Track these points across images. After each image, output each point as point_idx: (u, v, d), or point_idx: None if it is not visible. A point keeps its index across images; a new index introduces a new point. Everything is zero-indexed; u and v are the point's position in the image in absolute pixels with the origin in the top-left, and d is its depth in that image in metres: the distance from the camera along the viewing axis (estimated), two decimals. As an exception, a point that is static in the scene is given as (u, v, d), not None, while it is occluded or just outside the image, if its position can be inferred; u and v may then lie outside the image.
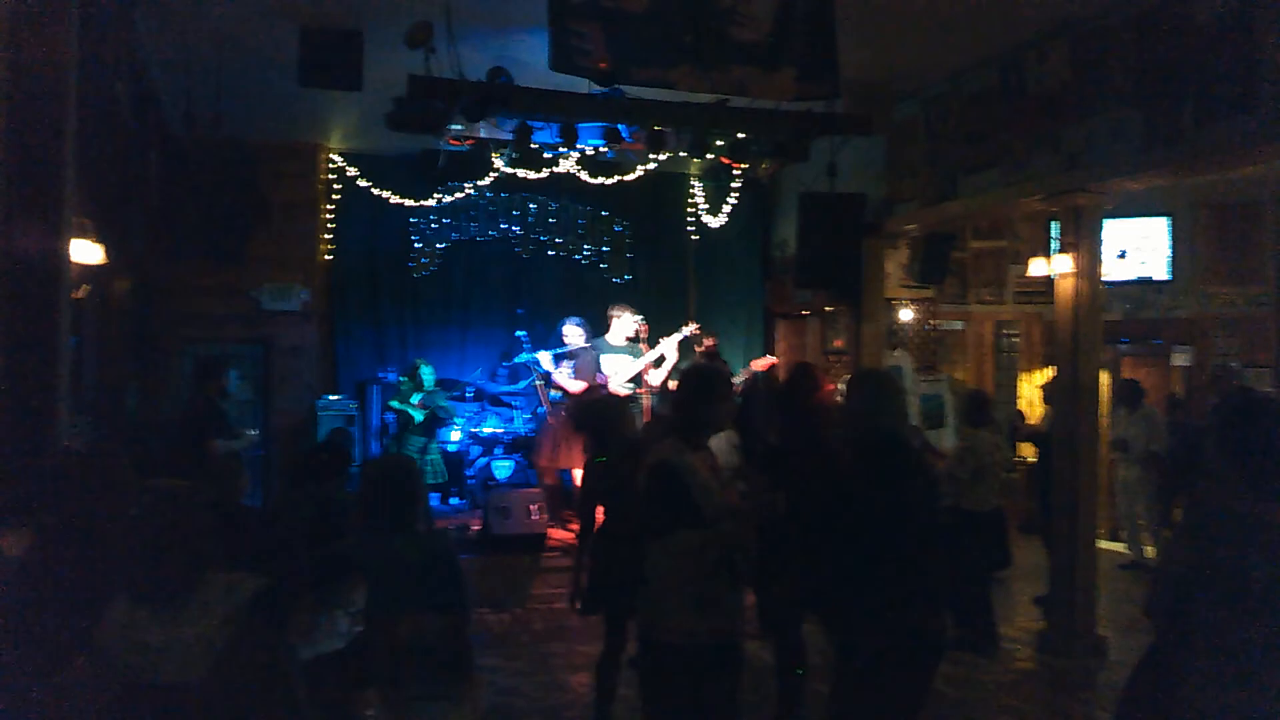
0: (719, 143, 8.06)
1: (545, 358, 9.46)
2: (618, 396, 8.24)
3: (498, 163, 9.41)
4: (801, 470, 4.71)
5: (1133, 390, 9.91)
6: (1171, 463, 9.37)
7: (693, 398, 4.07)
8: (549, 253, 11.88)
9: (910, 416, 10.77)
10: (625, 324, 9.66)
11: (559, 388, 9.43)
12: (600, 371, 9.41)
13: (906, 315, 11.22)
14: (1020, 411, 11.28)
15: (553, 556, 8.61)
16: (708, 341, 10.31)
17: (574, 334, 9.49)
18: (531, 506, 8.67)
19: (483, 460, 10.36)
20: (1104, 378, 9.52)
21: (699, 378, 4.22)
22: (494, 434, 10.51)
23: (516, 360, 10.15)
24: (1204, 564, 3.06)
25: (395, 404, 9.99)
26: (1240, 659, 2.95)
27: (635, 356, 9.68)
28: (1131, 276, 11.07)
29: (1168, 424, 9.80)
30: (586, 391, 9.24)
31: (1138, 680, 3.36)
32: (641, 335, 9.73)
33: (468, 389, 10.69)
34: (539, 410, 10.41)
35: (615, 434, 5.70)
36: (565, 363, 9.43)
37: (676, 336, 9.74)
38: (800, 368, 5.82)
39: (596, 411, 6.00)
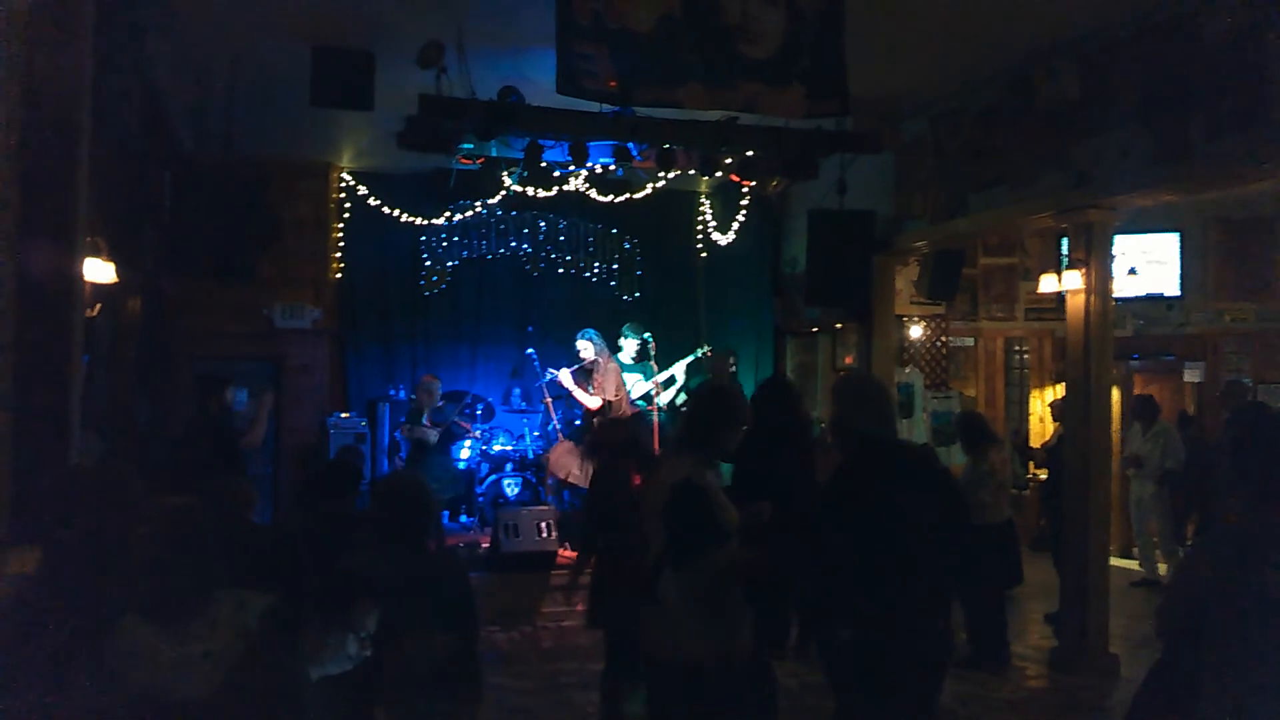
0: (728, 160, 8.09)
1: (565, 375, 9.47)
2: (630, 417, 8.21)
3: (508, 181, 9.45)
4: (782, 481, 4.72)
5: (1148, 406, 9.85)
6: (1185, 480, 9.32)
7: (710, 418, 3.99)
8: (558, 270, 11.90)
9: (921, 431, 10.78)
10: (632, 344, 9.75)
11: (580, 404, 9.45)
12: (609, 386, 9.43)
13: (917, 332, 11.22)
14: (1020, 431, 11.26)
15: (562, 575, 8.59)
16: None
17: (585, 348, 9.50)
18: (541, 524, 8.65)
19: (492, 478, 10.36)
20: (1115, 394, 9.49)
21: (717, 398, 4.15)
22: (503, 452, 10.51)
23: (539, 384, 10.14)
24: (1218, 581, 3.05)
25: (427, 433, 9.88)
26: (1255, 675, 2.93)
27: (646, 375, 9.74)
28: (1142, 292, 11.04)
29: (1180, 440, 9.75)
30: (600, 412, 9.25)
31: (1144, 697, 3.33)
32: (651, 352, 9.81)
33: (477, 405, 10.69)
34: (550, 428, 10.42)
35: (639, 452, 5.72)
36: (585, 378, 9.46)
37: (688, 359, 9.86)
38: (771, 382, 5.85)
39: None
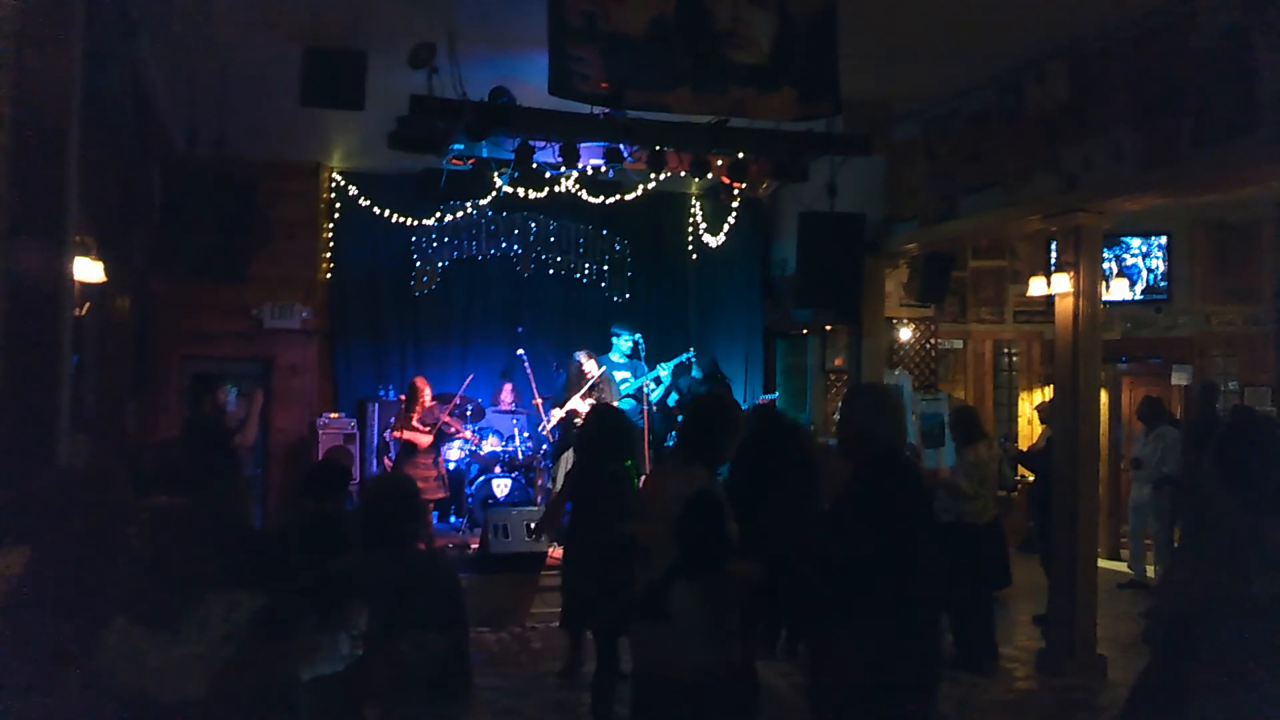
0: (719, 162, 8.10)
1: (579, 403, 9.57)
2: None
3: (498, 182, 9.45)
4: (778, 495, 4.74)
5: (1152, 409, 9.84)
6: (1176, 482, 9.34)
7: (717, 429, 3.98)
8: (549, 271, 11.91)
9: (910, 433, 10.81)
10: (625, 342, 9.82)
11: None
12: (614, 390, 9.60)
13: (906, 334, 11.24)
14: (1007, 436, 11.31)
15: (551, 575, 8.59)
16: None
17: (593, 365, 9.70)
18: (530, 525, 8.64)
19: (482, 479, 10.35)
20: (1103, 397, 9.52)
21: (721, 409, 4.11)
22: (493, 453, 10.51)
23: (553, 424, 10.22)
24: (1204, 585, 3.06)
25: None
26: (1243, 678, 2.95)
27: (636, 374, 9.80)
28: (1130, 296, 11.10)
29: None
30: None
31: (1136, 702, 3.34)
32: (641, 352, 9.91)
33: (467, 406, 10.69)
34: (540, 429, 10.43)
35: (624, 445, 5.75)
36: (589, 395, 9.56)
37: (673, 361, 9.97)
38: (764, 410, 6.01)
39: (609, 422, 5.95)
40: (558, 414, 9.91)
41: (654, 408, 10.25)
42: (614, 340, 10.00)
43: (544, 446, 10.31)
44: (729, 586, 3.71)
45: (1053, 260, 10.19)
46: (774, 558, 4.02)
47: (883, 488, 3.67)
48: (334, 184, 11.08)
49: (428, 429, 9.42)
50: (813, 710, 3.90)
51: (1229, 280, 10.83)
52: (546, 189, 9.84)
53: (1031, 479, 9.79)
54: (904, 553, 3.56)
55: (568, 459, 9.34)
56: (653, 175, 8.79)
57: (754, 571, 3.77)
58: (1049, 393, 10.33)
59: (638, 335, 10.20)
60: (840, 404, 4.18)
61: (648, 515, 3.90)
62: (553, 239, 11.87)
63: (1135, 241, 11.12)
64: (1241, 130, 5.86)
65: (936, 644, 3.87)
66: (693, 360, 10.60)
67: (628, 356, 9.97)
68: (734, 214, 11.70)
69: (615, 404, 9.38)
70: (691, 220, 12.16)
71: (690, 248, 12.28)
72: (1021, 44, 7.24)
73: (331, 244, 11.17)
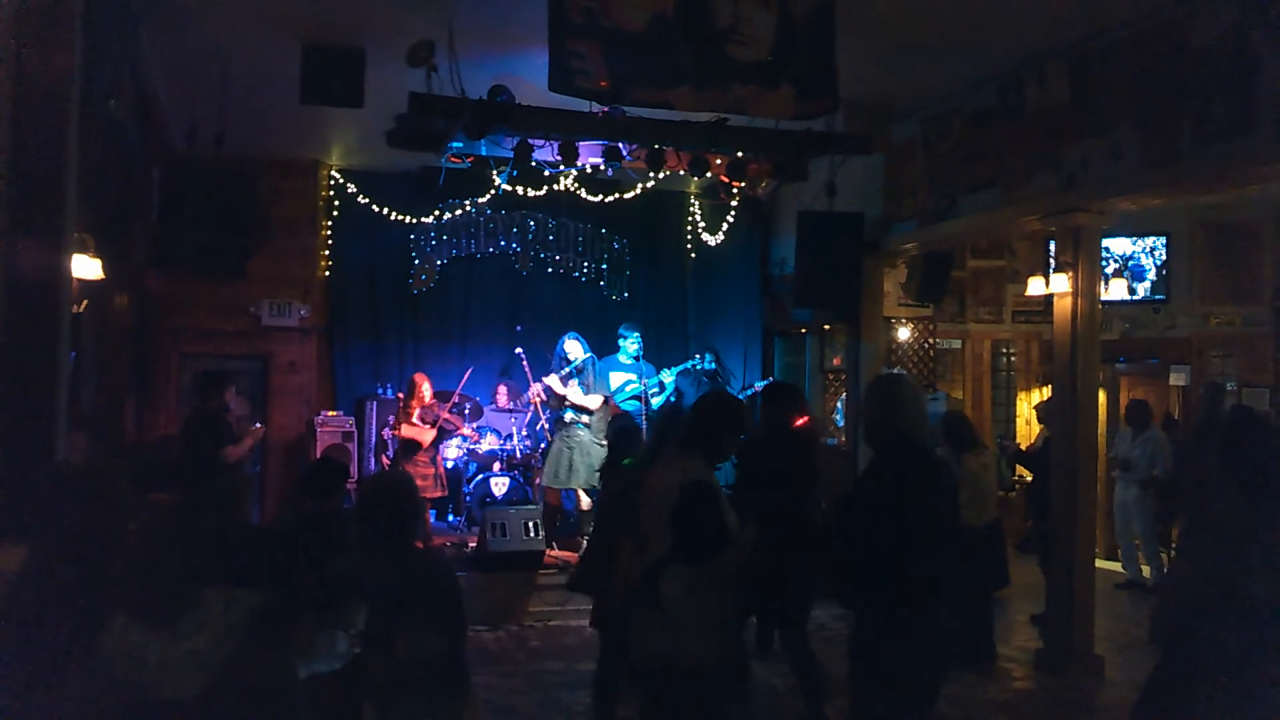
0: (718, 161, 8.10)
1: (555, 382, 9.49)
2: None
3: (497, 180, 9.45)
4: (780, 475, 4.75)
5: (1141, 411, 9.87)
6: (1170, 483, 9.35)
7: (717, 423, 4.05)
8: (548, 270, 11.90)
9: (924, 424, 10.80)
10: (631, 343, 9.83)
11: (577, 406, 9.43)
12: (602, 384, 9.52)
13: (905, 334, 11.24)
14: (1008, 433, 11.32)
15: (549, 574, 8.59)
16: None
17: (575, 349, 9.58)
18: (528, 524, 8.64)
19: (480, 477, 10.35)
20: (1101, 397, 9.53)
21: (724, 405, 4.19)
22: (491, 451, 10.51)
23: (526, 396, 10.19)
24: (1209, 584, 3.06)
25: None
26: (1248, 676, 2.95)
27: (639, 375, 9.79)
28: (1129, 296, 11.10)
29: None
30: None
31: (1146, 702, 3.34)
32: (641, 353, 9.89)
33: (465, 404, 10.68)
34: (538, 428, 10.42)
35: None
36: (574, 379, 9.48)
37: (679, 367, 9.97)
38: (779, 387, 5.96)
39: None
40: (536, 389, 9.84)
41: (655, 412, 10.22)
42: (621, 342, 9.99)
43: (542, 445, 10.29)
44: (722, 576, 3.74)
45: (1051, 260, 10.19)
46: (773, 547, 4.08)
47: (899, 472, 3.73)
48: (333, 182, 11.07)
49: (427, 426, 9.42)
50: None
51: (1228, 281, 10.82)
52: (545, 187, 9.84)
53: (1030, 479, 9.79)
54: (919, 535, 3.60)
55: (570, 456, 9.29)
56: (652, 174, 8.78)
57: (739, 559, 3.80)
58: (1047, 393, 10.34)
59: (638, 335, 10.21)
60: (863, 393, 4.27)
61: (647, 507, 3.94)
62: (551, 237, 11.86)
63: (1134, 242, 11.10)
64: (1241, 130, 5.87)
65: (949, 628, 3.90)
66: (699, 368, 10.59)
67: (634, 358, 9.98)
68: (733, 213, 11.70)
69: (603, 395, 9.37)
70: (690, 219, 12.14)
71: (689, 246, 12.26)
72: (1022, 43, 7.24)
73: (330, 242, 11.16)
